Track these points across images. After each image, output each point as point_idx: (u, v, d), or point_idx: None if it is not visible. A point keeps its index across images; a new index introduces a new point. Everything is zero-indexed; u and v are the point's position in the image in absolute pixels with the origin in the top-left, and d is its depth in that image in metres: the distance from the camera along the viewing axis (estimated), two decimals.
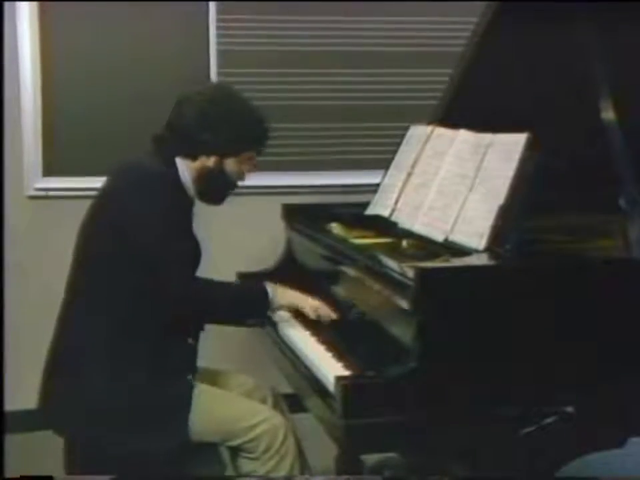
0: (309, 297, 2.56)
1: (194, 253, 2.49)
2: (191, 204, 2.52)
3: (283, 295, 2.54)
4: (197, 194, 2.54)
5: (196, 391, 2.40)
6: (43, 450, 2.43)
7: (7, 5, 3.64)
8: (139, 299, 2.35)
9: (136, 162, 2.49)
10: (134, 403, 2.33)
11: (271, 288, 2.51)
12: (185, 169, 2.48)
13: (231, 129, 2.45)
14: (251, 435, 2.37)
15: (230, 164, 2.51)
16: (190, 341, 2.49)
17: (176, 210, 2.41)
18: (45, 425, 2.45)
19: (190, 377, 2.45)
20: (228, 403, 2.45)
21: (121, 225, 2.35)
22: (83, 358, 2.36)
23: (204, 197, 2.56)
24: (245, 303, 2.54)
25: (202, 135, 2.44)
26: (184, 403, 2.36)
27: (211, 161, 2.48)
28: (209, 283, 2.44)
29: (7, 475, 2.44)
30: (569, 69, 2.55)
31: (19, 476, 2.33)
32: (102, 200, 2.47)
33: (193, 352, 2.51)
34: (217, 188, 2.55)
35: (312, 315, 2.50)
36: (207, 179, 2.50)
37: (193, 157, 2.48)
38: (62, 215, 3.65)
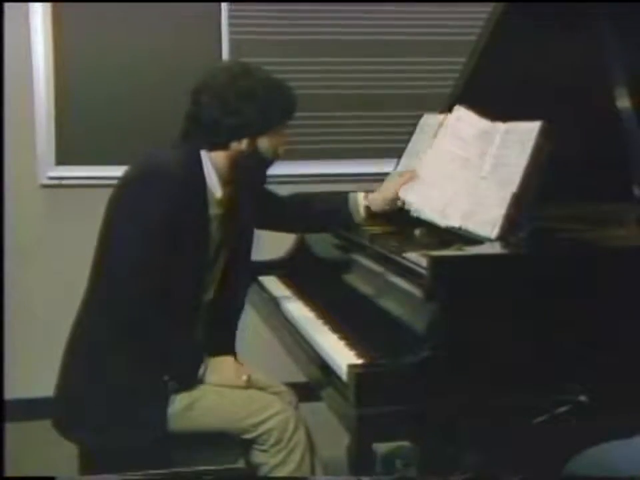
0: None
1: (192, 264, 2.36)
2: (207, 206, 2.37)
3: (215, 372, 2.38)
4: (236, 180, 2.42)
5: (203, 389, 2.37)
6: (44, 441, 2.43)
7: None
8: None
9: (162, 158, 2.36)
10: (119, 392, 2.30)
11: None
12: (215, 161, 2.37)
13: (255, 106, 2.33)
14: (260, 430, 2.36)
15: (264, 142, 2.39)
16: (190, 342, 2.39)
17: (192, 212, 2.29)
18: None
19: (166, 378, 2.33)
20: (236, 401, 2.40)
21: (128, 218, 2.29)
22: (95, 347, 2.34)
23: (243, 183, 2.45)
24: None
25: (227, 120, 2.32)
26: (158, 400, 2.31)
27: (243, 145, 2.36)
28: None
29: (7, 470, 2.43)
30: (585, 57, 2.54)
31: (19, 476, 2.31)
32: (121, 189, 2.37)
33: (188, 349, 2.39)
34: (254, 170, 2.45)
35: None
36: (242, 164, 2.39)
37: (224, 146, 2.37)
38: (74, 204, 3.67)
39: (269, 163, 2.46)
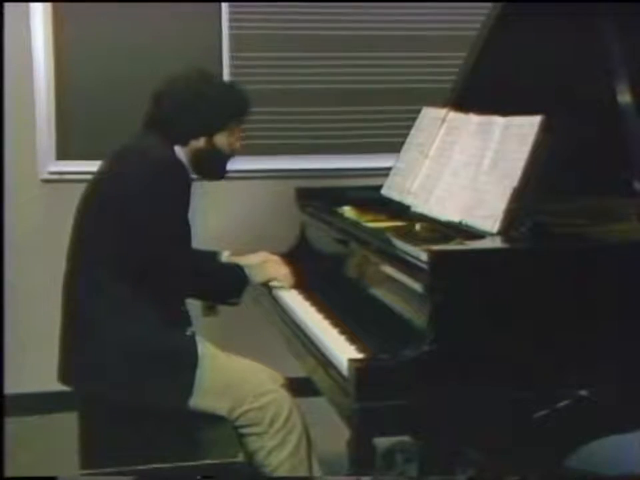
0: (282, 267, 2.78)
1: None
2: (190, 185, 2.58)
3: (258, 272, 2.72)
4: (197, 173, 2.65)
5: (208, 352, 2.48)
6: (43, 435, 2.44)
7: None
8: (144, 269, 2.44)
9: (144, 150, 2.55)
10: (143, 356, 2.40)
11: (248, 268, 2.68)
12: (182, 153, 2.59)
13: (209, 108, 2.56)
14: (258, 403, 2.42)
15: (220, 139, 2.61)
16: (182, 307, 2.58)
17: (185, 195, 2.49)
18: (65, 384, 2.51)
19: (191, 330, 2.53)
20: (239, 366, 2.53)
21: (131, 208, 2.44)
22: (96, 322, 2.44)
23: (205, 175, 2.69)
24: (225, 283, 2.68)
25: (185, 120, 2.55)
26: (189, 354, 2.44)
27: (201, 142, 2.59)
28: (202, 260, 2.63)
29: (7, 468, 2.43)
30: (585, 52, 2.53)
31: (19, 475, 2.32)
32: (109, 181, 2.55)
33: (187, 314, 2.59)
34: (214, 164, 2.66)
35: (286, 285, 2.74)
36: (202, 159, 2.61)
37: (184, 143, 2.59)
38: (75, 199, 3.64)
39: (226, 157, 2.68)
